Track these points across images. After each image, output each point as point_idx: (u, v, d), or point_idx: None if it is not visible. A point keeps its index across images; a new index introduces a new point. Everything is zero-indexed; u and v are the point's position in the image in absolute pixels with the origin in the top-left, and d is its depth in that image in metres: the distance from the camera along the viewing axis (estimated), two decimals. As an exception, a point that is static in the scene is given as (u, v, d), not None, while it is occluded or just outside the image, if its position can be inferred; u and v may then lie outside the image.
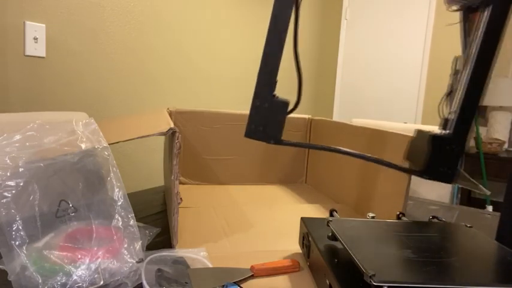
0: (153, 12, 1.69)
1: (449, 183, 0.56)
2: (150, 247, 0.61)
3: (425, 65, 2.68)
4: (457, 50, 0.58)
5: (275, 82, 0.55)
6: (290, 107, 0.57)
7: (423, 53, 2.70)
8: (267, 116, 0.55)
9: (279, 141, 0.56)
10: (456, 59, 0.57)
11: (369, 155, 0.59)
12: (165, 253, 0.61)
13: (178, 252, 0.62)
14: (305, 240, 0.62)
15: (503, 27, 0.50)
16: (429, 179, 0.56)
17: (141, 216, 0.82)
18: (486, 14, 0.51)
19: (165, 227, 0.72)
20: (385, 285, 0.39)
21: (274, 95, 0.56)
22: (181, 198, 0.92)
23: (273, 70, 0.55)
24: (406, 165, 0.61)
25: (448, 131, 0.55)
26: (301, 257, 0.63)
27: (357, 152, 0.59)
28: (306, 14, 2.84)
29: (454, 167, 0.55)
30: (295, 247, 0.67)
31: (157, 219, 0.81)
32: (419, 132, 0.59)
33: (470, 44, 0.53)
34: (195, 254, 0.62)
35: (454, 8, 0.56)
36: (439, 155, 0.55)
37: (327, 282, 0.49)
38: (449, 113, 0.55)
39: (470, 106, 0.53)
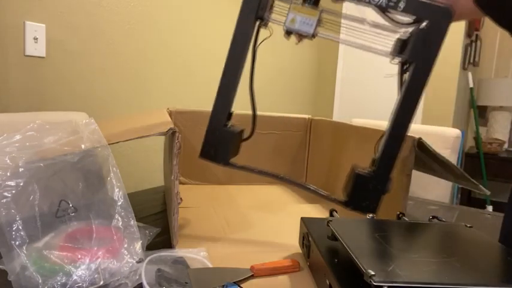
0: (154, 12, 1.69)
1: (373, 213, 0.60)
2: (150, 247, 0.61)
3: (425, 65, 2.68)
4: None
5: (230, 113, 0.61)
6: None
7: (423, 53, 2.70)
8: (218, 142, 0.61)
9: (227, 164, 0.62)
10: None
11: (301, 182, 0.64)
12: (165, 253, 0.61)
13: (178, 252, 0.62)
14: (305, 240, 0.62)
15: (424, 83, 0.55)
16: (352, 210, 0.60)
17: (141, 216, 0.81)
18: (411, 70, 0.56)
19: (165, 227, 0.72)
20: (385, 285, 0.39)
21: (227, 125, 0.61)
22: (181, 198, 0.92)
23: (228, 102, 0.60)
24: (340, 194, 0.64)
25: (373, 168, 0.58)
26: (301, 257, 0.63)
27: (288, 178, 0.66)
28: (306, 14, 2.85)
29: (376, 202, 0.59)
30: (295, 247, 0.67)
31: (157, 219, 0.81)
32: (352, 169, 0.62)
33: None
34: (195, 254, 0.62)
35: (396, 61, 0.60)
36: (362, 191, 0.59)
37: (327, 282, 0.49)
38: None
39: (391, 151, 0.57)
